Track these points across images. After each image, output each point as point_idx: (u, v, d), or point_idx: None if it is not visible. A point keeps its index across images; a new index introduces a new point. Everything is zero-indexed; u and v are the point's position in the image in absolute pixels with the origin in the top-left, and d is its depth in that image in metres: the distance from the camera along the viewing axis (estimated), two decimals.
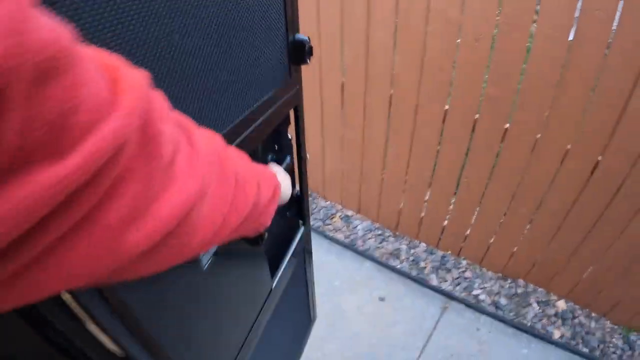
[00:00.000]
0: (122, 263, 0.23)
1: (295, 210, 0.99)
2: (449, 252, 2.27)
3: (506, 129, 1.76)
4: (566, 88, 1.53)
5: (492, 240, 2.08)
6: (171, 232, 0.26)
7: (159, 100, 0.27)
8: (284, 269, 0.93)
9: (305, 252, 1.11)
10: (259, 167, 0.50)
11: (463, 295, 2.07)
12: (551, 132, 1.66)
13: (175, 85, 0.43)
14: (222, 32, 0.48)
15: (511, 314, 2.01)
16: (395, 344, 1.91)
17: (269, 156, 0.79)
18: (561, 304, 2.05)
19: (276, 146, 0.81)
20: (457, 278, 2.14)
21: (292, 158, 0.86)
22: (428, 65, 1.80)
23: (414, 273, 2.17)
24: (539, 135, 1.70)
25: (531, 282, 2.11)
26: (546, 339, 1.93)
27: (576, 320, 2.02)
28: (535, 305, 2.04)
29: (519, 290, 2.08)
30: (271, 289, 0.87)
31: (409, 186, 2.20)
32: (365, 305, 2.07)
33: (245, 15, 0.52)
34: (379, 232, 2.45)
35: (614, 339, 2.01)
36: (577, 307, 2.06)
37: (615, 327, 2.05)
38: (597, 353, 1.95)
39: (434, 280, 2.13)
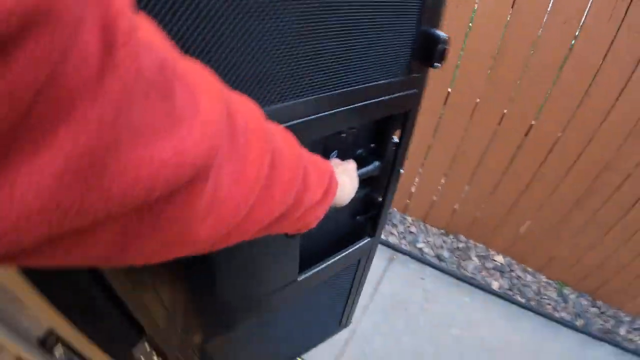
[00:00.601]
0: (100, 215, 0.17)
1: (367, 218, 0.87)
2: (395, 209, 2.37)
3: (448, 94, 1.93)
4: (503, 60, 1.72)
5: (435, 198, 2.21)
6: (165, 194, 0.19)
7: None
8: (321, 270, 0.83)
9: (360, 262, 0.99)
10: (311, 157, 0.40)
11: (408, 248, 2.17)
12: (489, 98, 1.85)
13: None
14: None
15: (453, 266, 2.12)
16: None
17: (359, 151, 0.71)
18: (499, 259, 2.18)
19: (373, 145, 0.73)
20: (403, 232, 2.24)
21: (384, 166, 0.74)
22: None
23: None
24: (478, 100, 1.88)
25: (471, 238, 2.24)
26: (486, 289, 2.04)
27: (513, 274, 2.14)
28: (475, 259, 2.16)
29: (460, 245, 2.20)
30: (295, 281, 0.79)
31: None
32: None
33: None
34: None
35: (548, 292, 2.14)
36: (514, 262, 2.19)
37: (550, 281, 2.19)
38: (533, 303, 2.07)
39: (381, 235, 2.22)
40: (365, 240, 0.90)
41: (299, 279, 0.79)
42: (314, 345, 1.34)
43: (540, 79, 1.71)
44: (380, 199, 0.82)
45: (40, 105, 0.13)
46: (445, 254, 2.15)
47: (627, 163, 1.80)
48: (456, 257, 2.14)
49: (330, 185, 0.43)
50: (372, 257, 1.02)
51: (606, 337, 2.06)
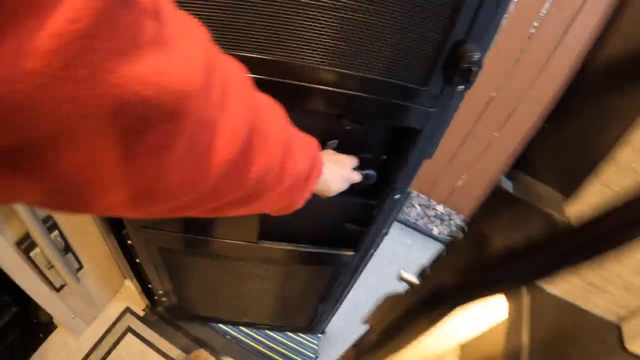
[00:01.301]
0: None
1: (354, 230, 0.79)
2: None
3: None
4: None
5: None
6: (141, 118, 0.18)
7: None
8: (285, 250, 0.82)
9: (339, 273, 0.92)
10: (296, 130, 0.37)
11: None
12: None
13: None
14: None
15: None
16: None
17: (367, 155, 0.64)
18: (440, 208, 2.33)
19: (385, 156, 0.66)
20: None
21: (384, 182, 0.68)
22: None
23: None
24: None
25: (415, 189, 2.38)
26: (427, 233, 2.16)
27: (452, 222, 2.30)
28: (418, 207, 2.29)
29: None
30: (254, 243, 0.79)
31: None
32: None
33: None
34: None
35: None
36: (453, 212, 2.35)
37: None
38: None
39: None
40: (347, 252, 0.83)
41: (258, 243, 0.79)
42: (283, 330, 1.32)
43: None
44: (376, 213, 0.75)
45: None
46: None
47: None
48: None
49: (315, 161, 0.39)
50: (353, 275, 0.95)
51: None
